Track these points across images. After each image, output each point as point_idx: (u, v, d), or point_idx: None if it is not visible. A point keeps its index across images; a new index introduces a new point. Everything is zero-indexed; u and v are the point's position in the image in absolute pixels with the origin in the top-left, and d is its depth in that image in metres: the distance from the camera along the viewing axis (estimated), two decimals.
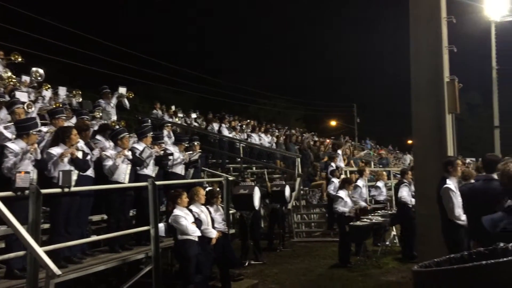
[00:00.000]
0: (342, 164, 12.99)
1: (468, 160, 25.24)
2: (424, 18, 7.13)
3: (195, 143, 8.92)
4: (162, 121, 12.15)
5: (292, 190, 11.86)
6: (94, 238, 6.45)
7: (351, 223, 8.45)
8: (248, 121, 19.18)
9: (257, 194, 8.92)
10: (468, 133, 59.66)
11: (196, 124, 16.29)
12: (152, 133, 7.71)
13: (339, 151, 13.50)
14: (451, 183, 5.76)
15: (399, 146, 36.00)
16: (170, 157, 7.84)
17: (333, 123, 44.07)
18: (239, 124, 17.27)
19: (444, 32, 7.27)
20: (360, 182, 10.11)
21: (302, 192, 12.86)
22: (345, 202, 8.92)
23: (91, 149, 6.46)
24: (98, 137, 7.17)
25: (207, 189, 8.09)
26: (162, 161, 7.60)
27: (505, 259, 1.94)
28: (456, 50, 7.38)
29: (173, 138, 9.82)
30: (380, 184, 11.15)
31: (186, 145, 8.65)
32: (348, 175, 11.95)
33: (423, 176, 7.14)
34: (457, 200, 5.56)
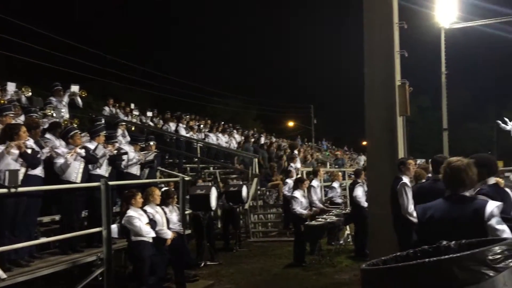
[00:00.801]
0: (298, 165, 13.15)
1: (418, 161, 26.19)
2: (377, 23, 7.30)
3: (151, 143, 8.78)
4: (116, 119, 11.87)
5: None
6: (42, 240, 6.22)
7: (306, 222, 8.58)
8: (207, 121, 19.10)
9: (213, 194, 8.90)
10: (418, 135, 62.10)
11: (151, 123, 16.04)
12: (105, 131, 7.53)
13: (296, 152, 13.67)
14: (407, 181, 6.11)
15: (354, 147, 36.96)
16: (124, 157, 7.68)
17: (290, 123, 44.61)
18: (197, 123, 17.15)
19: (396, 37, 7.48)
20: (314, 183, 10.28)
21: (259, 192, 12.94)
22: (301, 202, 9.04)
23: (41, 147, 6.23)
24: (48, 135, 6.92)
25: (163, 189, 8.00)
26: (116, 160, 7.44)
27: (446, 256, 2.02)
28: (407, 55, 7.63)
29: (128, 137, 9.63)
30: (335, 184, 11.38)
31: (141, 145, 8.50)
32: (304, 176, 12.12)
33: (375, 176, 7.32)
34: (411, 197, 5.85)
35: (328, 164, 19.62)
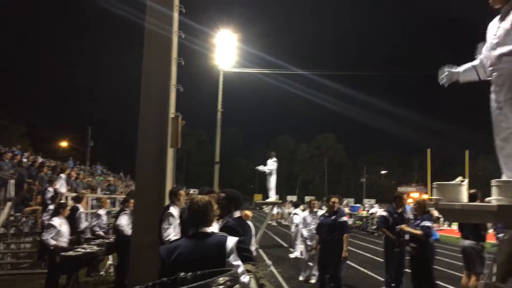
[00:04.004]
0: (63, 189, 12.16)
1: (191, 191, 27.48)
2: (156, 56, 7.47)
3: None
4: None
5: None
6: None
7: (63, 253, 7.90)
8: None
9: None
10: (194, 166, 65.61)
11: None
12: None
13: (62, 175, 12.62)
14: (174, 211, 6.29)
15: (131, 173, 36.43)
16: None
17: (64, 144, 41.29)
18: None
19: (174, 71, 7.77)
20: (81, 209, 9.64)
21: (12, 218, 11.38)
22: (59, 230, 8.30)
23: None
24: None
25: None
26: None
27: None
28: (182, 90, 7.96)
29: None
30: (101, 211, 10.87)
31: None
32: (69, 201, 11.25)
33: (142, 205, 7.30)
34: (173, 227, 6.05)
35: (99, 189, 18.70)
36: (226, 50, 25.03)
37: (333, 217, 7.90)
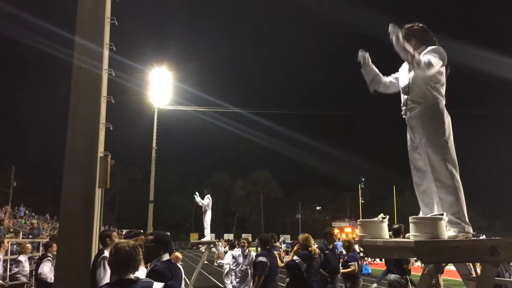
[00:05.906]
0: None
1: (124, 232, 26.34)
2: (84, 93, 7.25)
3: None
4: None
5: None
6: None
7: None
8: None
9: None
10: (127, 205, 63.16)
11: None
12: None
13: None
14: (108, 255, 5.97)
15: (59, 215, 34.45)
16: None
17: None
18: None
19: (103, 110, 7.57)
20: None
21: None
22: None
23: None
24: None
25: None
26: None
27: None
28: (112, 128, 7.76)
29: None
30: (22, 258, 10.08)
31: None
32: None
33: (66, 250, 6.89)
34: (109, 271, 5.73)
35: (21, 233, 17.40)
36: (161, 87, 24.94)
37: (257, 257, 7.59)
